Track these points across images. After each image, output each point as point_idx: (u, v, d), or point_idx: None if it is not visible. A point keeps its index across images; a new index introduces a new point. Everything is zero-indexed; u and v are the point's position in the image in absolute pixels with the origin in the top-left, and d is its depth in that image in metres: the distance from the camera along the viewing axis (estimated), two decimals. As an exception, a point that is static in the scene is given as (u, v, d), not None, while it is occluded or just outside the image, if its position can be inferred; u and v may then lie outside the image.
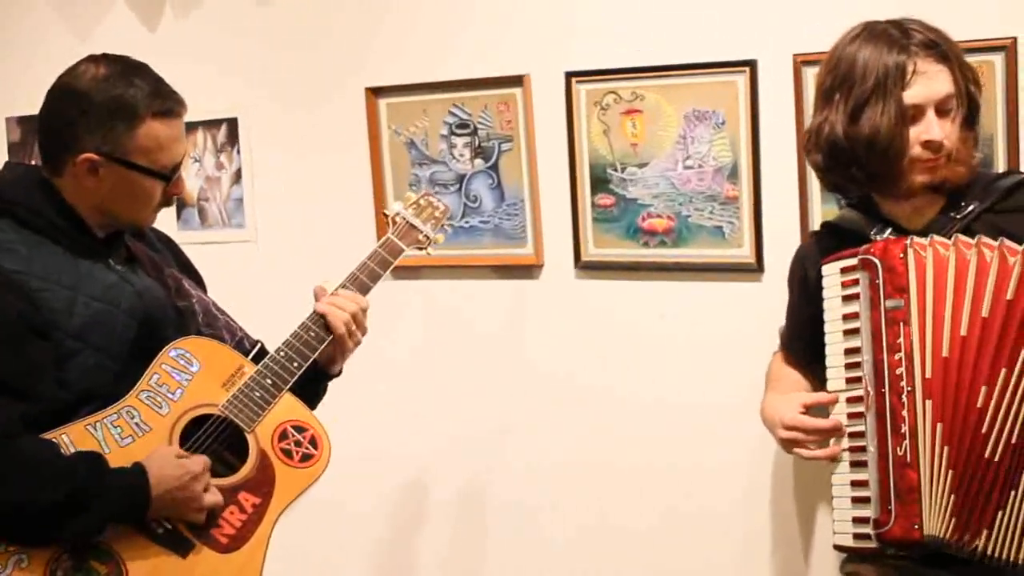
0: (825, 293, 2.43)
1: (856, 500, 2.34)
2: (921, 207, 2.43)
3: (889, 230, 2.41)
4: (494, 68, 3.37)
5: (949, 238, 2.31)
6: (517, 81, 3.34)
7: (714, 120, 3.10)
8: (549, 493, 3.48)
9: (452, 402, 3.58)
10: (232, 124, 3.79)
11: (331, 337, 2.52)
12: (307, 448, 2.44)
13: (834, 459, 2.38)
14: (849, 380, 2.37)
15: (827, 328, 2.42)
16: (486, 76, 3.38)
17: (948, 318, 2.25)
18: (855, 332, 2.36)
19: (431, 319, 3.59)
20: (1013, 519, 2.19)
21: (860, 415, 2.34)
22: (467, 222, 3.46)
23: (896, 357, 2.27)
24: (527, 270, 3.41)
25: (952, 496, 2.22)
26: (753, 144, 3.05)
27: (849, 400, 2.37)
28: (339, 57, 3.62)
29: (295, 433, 2.44)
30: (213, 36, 3.81)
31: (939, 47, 2.34)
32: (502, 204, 3.41)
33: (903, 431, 2.25)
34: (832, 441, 2.39)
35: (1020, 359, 2.20)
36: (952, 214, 2.39)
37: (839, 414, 2.39)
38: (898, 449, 2.25)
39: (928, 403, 2.24)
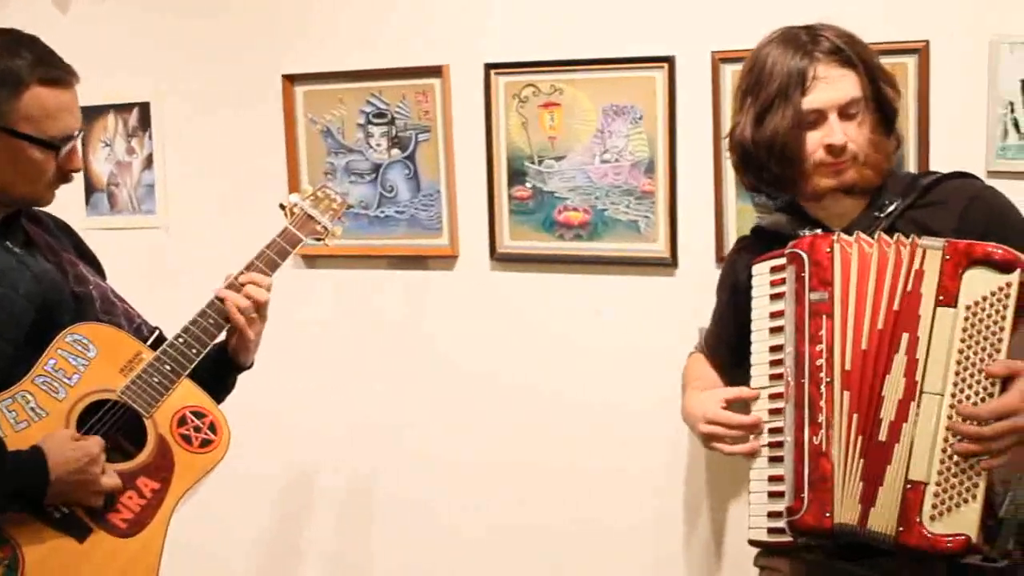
0: (754, 292, 2.46)
1: (772, 495, 2.35)
2: (846, 208, 2.46)
3: (818, 231, 2.43)
4: (413, 58, 3.35)
5: (873, 236, 2.33)
6: (436, 72, 3.32)
7: (631, 115, 3.09)
8: (451, 487, 3.47)
9: (361, 392, 3.55)
10: (144, 108, 3.72)
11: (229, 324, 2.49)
12: (206, 434, 2.41)
13: (752, 455, 2.39)
14: (772, 377, 2.39)
15: (753, 326, 2.44)
16: (405, 66, 3.36)
17: (868, 312, 2.28)
18: (779, 330, 2.38)
19: (345, 308, 3.55)
20: (887, 494, 2.22)
21: (780, 411, 2.35)
22: (383, 212, 3.43)
23: (817, 348, 2.29)
24: (442, 261, 3.38)
25: (862, 484, 2.24)
26: (670, 140, 3.06)
27: (771, 396, 2.39)
28: (256, 43, 3.57)
29: (194, 419, 2.41)
30: (127, 19, 3.74)
31: (843, 52, 2.37)
32: (418, 194, 3.38)
33: (820, 421, 2.26)
34: (752, 438, 2.40)
35: (901, 340, 2.24)
36: (875, 213, 2.43)
37: (760, 410, 2.40)
38: (814, 438, 2.26)
39: (846, 394, 2.26)
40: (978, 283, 2.21)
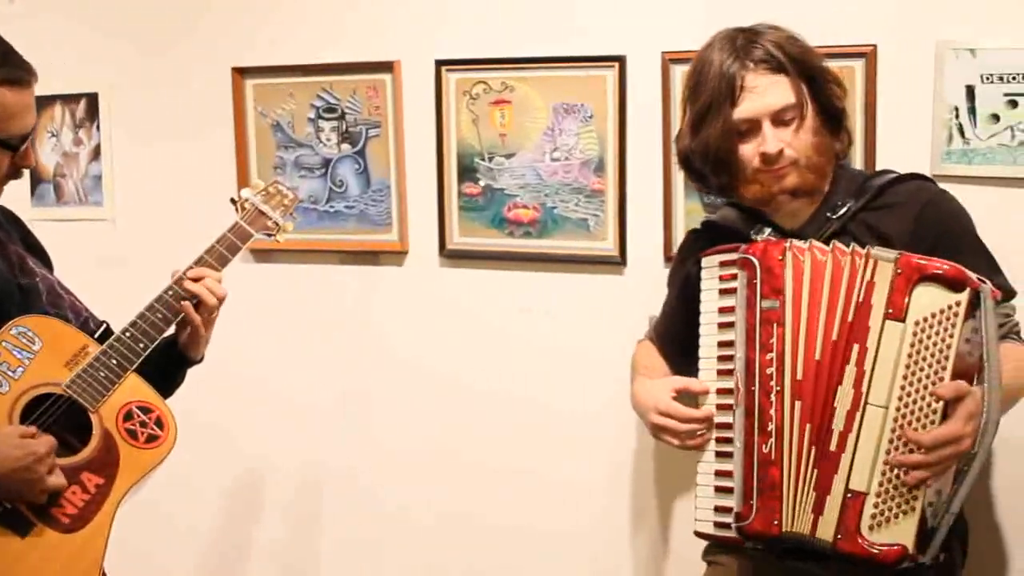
0: (703, 285, 2.45)
1: (719, 489, 2.36)
2: (797, 208, 2.46)
3: (769, 230, 2.44)
4: (364, 53, 3.34)
5: (827, 238, 2.34)
6: (387, 67, 3.31)
7: (582, 113, 3.10)
8: (397, 484, 3.47)
9: (307, 388, 3.54)
10: (92, 99, 3.69)
11: (179, 317, 2.47)
12: (152, 429, 2.39)
13: (700, 448, 2.40)
14: (720, 372, 2.39)
15: (702, 320, 2.44)
16: (356, 61, 3.35)
17: (822, 321, 2.28)
18: (730, 326, 2.38)
19: (294, 303, 3.54)
20: (831, 503, 2.24)
21: (729, 407, 2.36)
22: (332, 207, 3.42)
23: (768, 357, 2.29)
24: (391, 256, 3.38)
25: (814, 494, 2.25)
26: (620, 139, 3.07)
27: (719, 391, 2.39)
28: (206, 35, 3.55)
29: (140, 414, 2.39)
30: (75, 8, 3.71)
31: (774, 59, 2.36)
32: (368, 190, 3.37)
33: (769, 429, 2.27)
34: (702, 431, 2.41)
35: (852, 351, 2.25)
36: (828, 214, 2.43)
37: (709, 404, 2.41)
38: (763, 447, 2.28)
39: (798, 404, 2.27)
40: (927, 300, 2.21)
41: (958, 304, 2.20)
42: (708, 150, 2.42)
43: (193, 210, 3.53)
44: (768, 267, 2.32)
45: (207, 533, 3.75)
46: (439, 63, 3.24)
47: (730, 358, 2.37)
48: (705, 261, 2.46)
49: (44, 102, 3.68)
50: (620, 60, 3.05)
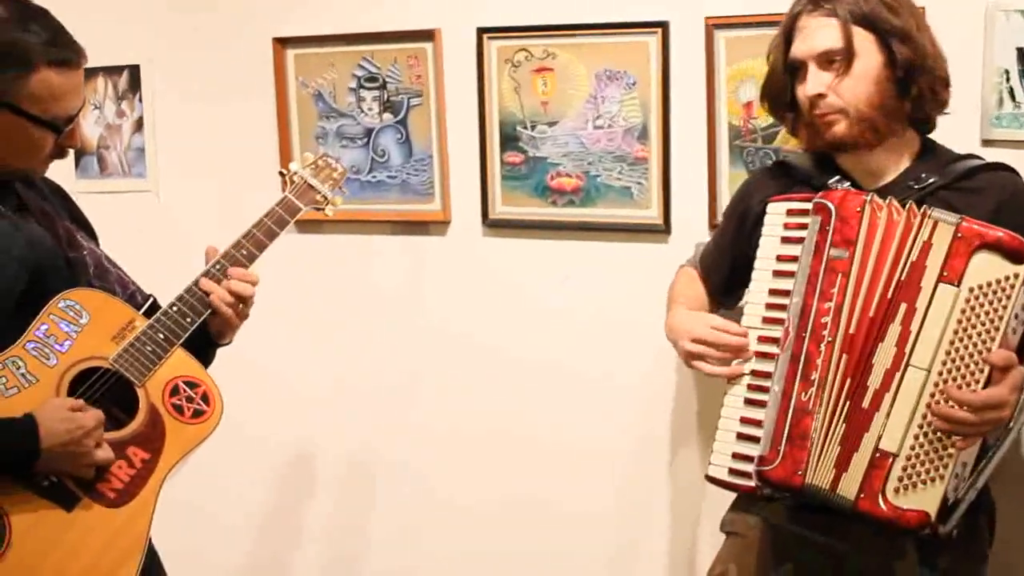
0: (764, 230, 2.43)
1: (741, 436, 2.37)
2: (878, 167, 2.43)
3: (848, 184, 2.40)
4: (405, 22, 3.33)
5: (926, 207, 2.29)
6: (428, 35, 3.30)
7: (625, 81, 3.08)
8: (443, 455, 3.47)
9: (353, 358, 3.55)
10: (134, 71, 3.69)
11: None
12: (199, 404, 2.39)
13: (733, 379, 2.40)
14: (766, 320, 2.38)
15: (757, 264, 2.42)
16: (396, 30, 3.33)
17: (883, 279, 2.26)
18: (784, 275, 2.36)
19: (336, 274, 3.54)
20: (859, 460, 2.23)
21: (768, 356, 2.36)
22: (374, 176, 3.41)
23: (826, 306, 2.27)
24: (434, 226, 3.38)
25: (839, 448, 2.24)
26: (663, 106, 3.05)
27: (761, 339, 2.38)
28: (247, 6, 3.54)
29: (187, 389, 2.39)
30: (116, -20, 3.71)
31: (832, 4, 2.34)
32: (410, 159, 3.36)
33: (812, 378, 2.27)
34: (735, 363, 2.41)
35: (899, 310, 2.23)
36: (911, 183, 2.39)
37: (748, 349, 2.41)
38: (803, 394, 2.27)
39: (844, 357, 2.25)
40: (986, 268, 2.19)
41: (1016, 276, 2.19)
42: (768, 87, 2.48)
43: (236, 181, 3.55)
44: (844, 216, 2.29)
45: (256, 516, 3.76)
46: (480, 31, 3.23)
47: (780, 307, 2.36)
48: (772, 206, 2.44)
49: (87, 74, 3.57)
50: (663, 26, 3.02)
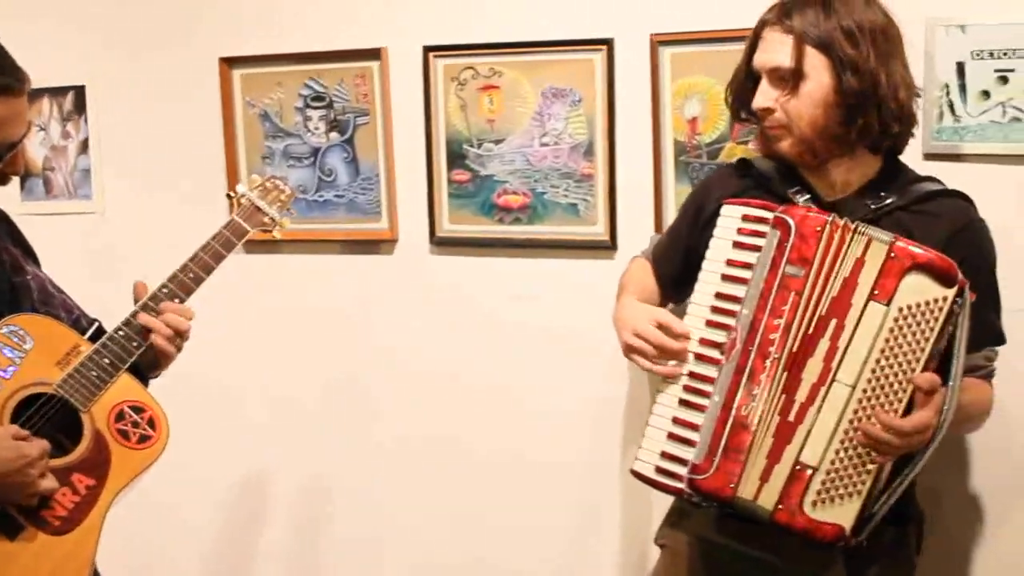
0: (717, 231, 2.40)
1: (673, 437, 2.35)
2: (839, 182, 2.42)
3: (808, 196, 2.40)
4: (351, 41, 3.33)
5: (859, 223, 2.30)
6: (374, 54, 3.30)
7: (571, 97, 3.09)
8: (395, 473, 3.46)
9: (298, 380, 3.53)
10: (80, 92, 3.67)
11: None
12: (145, 429, 2.37)
13: (668, 379, 2.38)
14: (709, 323, 2.35)
15: (705, 266, 2.39)
16: (343, 49, 3.33)
17: (825, 297, 2.26)
18: (732, 280, 2.34)
19: (283, 294, 3.53)
20: (782, 471, 2.24)
21: (707, 360, 2.34)
22: (321, 196, 3.40)
23: (775, 322, 2.27)
24: (382, 245, 3.37)
25: (765, 461, 2.25)
26: (609, 122, 3.06)
27: (703, 341, 2.36)
28: (193, 25, 3.53)
29: (133, 414, 2.37)
30: (62, 1, 3.69)
31: (792, 23, 2.32)
32: (357, 178, 3.36)
33: (754, 393, 2.27)
34: (672, 362, 2.39)
35: (829, 325, 2.24)
36: (868, 202, 2.38)
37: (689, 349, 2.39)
38: (743, 408, 2.27)
39: (785, 375, 2.26)
40: (916, 289, 2.21)
41: (945, 299, 2.20)
42: (733, 88, 2.48)
43: (183, 202, 3.53)
44: (803, 234, 2.28)
45: (209, 533, 3.73)
46: (426, 49, 3.23)
47: (725, 312, 2.34)
48: (727, 208, 2.41)
49: (32, 95, 3.59)
50: (608, 43, 3.04)
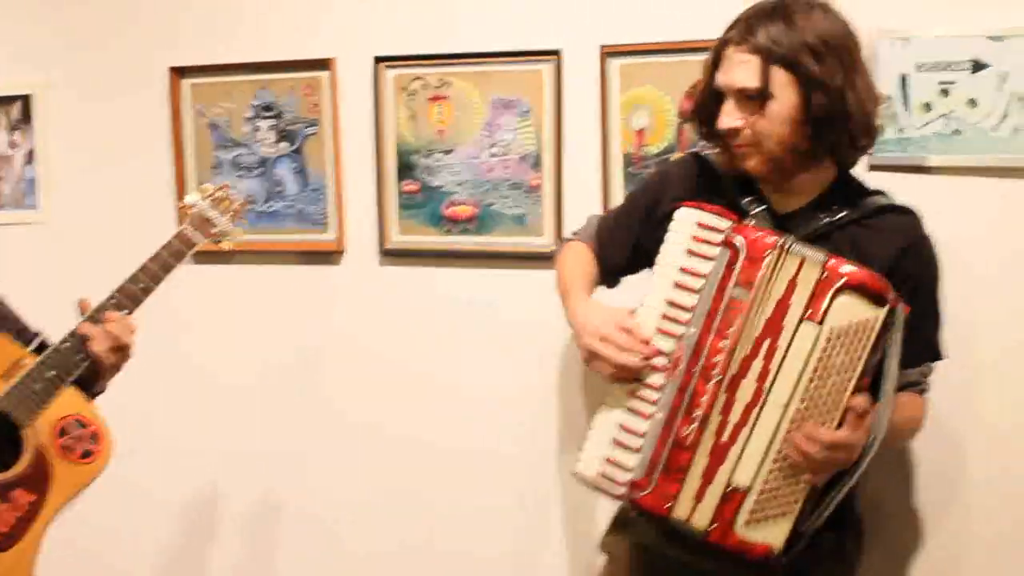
0: (671, 235, 2.36)
1: (617, 443, 2.33)
2: (794, 193, 2.41)
3: (763, 207, 2.40)
4: (301, 51, 3.33)
5: (811, 237, 2.31)
6: (324, 64, 3.30)
7: (519, 108, 3.10)
8: (343, 487, 3.46)
9: (251, 389, 3.52)
10: (26, 101, 3.65)
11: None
12: (88, 444, 2.35)
13: (619, 383, 2.35)
14: (659, 331, 2.33)
15: (657, 269, 2.36)
16: (293, 59, 3.33)
17: (764, 318, 2.25)
18: (683, 288, 2.31)
19: (232, 304, 3.52)
20: (712, 492, 2.26)
21: (655, 368, 2.31)
22: (270, 206, 3.40)
23: (720, 344, 2.26)
24: (330, 256, 3.37)
25: (699, 482, 2.26)
26: (557, 133, 3.07)
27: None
28: (142, 35, 3.51)
29: (76, 428, 2.35)
30: (7, 8, 3.66)
31: (757, 42, 2.28)
32: (306, 189, 3.36)
33: (695, 415, 2.26)
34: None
35: (763, 346, 2.25)
36: (820, 214, 2.38)
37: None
38: (684, 429, 2.26)
39: (724, 397, 2.26)
40: (848, 309, 2.21)
41: (877, 319, 2.20)
42: (699, 106, 2.43)
43: (132, 212, 3.51)
44: (751, 257, 2.27)
45: (159, 548, 3.70)
46: (376, 59, 3.24)
47: (674, 320, 2.31)
48: (682, 212, 2.36)
49: None
50: (557, 54, 3.05)
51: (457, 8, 3.16)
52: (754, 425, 2.24)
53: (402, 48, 3.22)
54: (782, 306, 2.24)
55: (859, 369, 2.21)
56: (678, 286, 2.33)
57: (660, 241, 2.38)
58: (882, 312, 2.20)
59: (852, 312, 2.21)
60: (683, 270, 2.33)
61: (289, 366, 3.46)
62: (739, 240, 2.29)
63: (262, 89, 3.37)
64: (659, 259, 2.36)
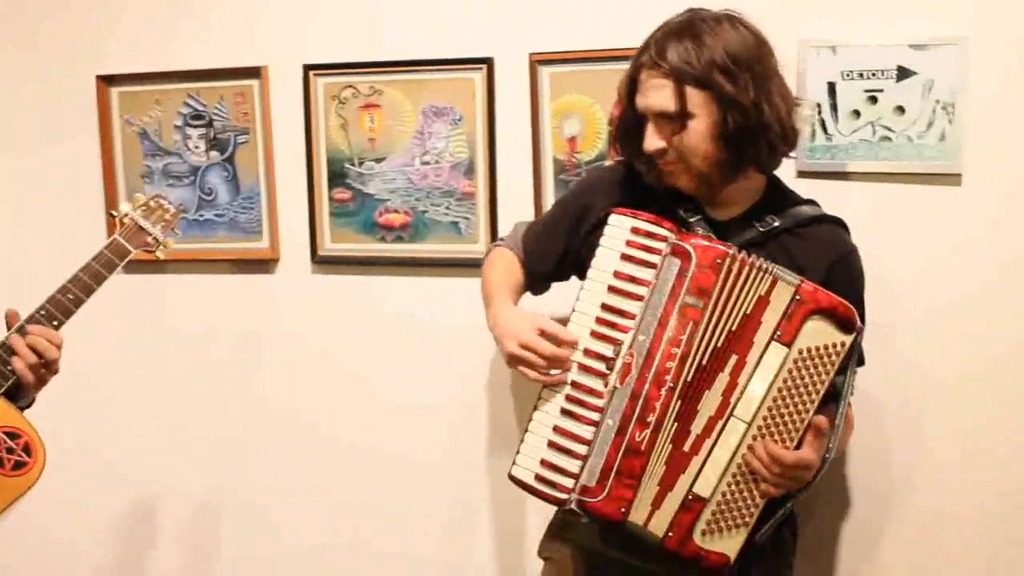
0: (604, 241, 2.37)
1: (554, 446, 2.33)
2: (727, 202, 2.44)
3: (699, 217, 2.42)
4: (231, 59, 3.31)
5: (746, 245, 2.34)
6: (255, 73, 3.28)
7: (451, 116, 3.11)
8: (283, 491, 3.45)
9: (185, 398, 3.49)
10: (-48, 111, 3.60)
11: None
12: (20, 455, 2.33)
13: (551, 387, 2.35)
14: (595, 334, 2.34)
15: (591, 275, 2.37)
16: (223, 67, 3.31)
17: (720, 328, 2.28)
18: (620, 292, 2.33)
19: (166, 314, 3.49)
20: (671, 500, 2.29)
21: (592, 371, 2.32)
22: (202, 215, 3.38)
23: (672, 351, 2.28)
24: (263, 264, 3.35)
25: (657, 488, 2.29)
26: (489, 141, 3.08)
27: (587, 352, 2.34)
28: (69, 42, 3.47)
29: (7, 440, 2.33)
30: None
31: (669, 66, 2.30)
32: (237, 197, 3.34)
33: (649, 421, 2.28)
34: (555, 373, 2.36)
35: (729, 360, 2.28)
36: (756, 224, 2.42)
37: (574, 359, 2.36)
38: (637, 435, 2.28)
39: (679, 403, 2.28)
40: (818, 333, 2.27)
41: (843, 344, 2.28)
42: (617, 126, 2.47)
43: (61, 223, 3.48)
44: (702, 265, 2.29)
45: (96, 558, 3.66)
46: (307, 68, 3.23)
47: (611, 324, 2.33)
48: (616, 219, 2.38)
49: None
50: (488, 62, 3.06)
51: (388, 16, 3.16)
52: (717, 438, 2.28)
53: (333, 56, 3.21)
54: (752, 323, 2.28)
55: (822, 390, 2.28)
56: (613, 291, 2.34)
57: (592, 247, 2.40)
58: (849, 338, 2.29)
59: (821, 336, 2.28)
60: (618, 275, 2.35)
61: (224, 373, 3.44)
62: (691, 248, 2.31)
63: (191, 97, 3.35)
64: (593, 264, 2.38)
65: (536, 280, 2.65)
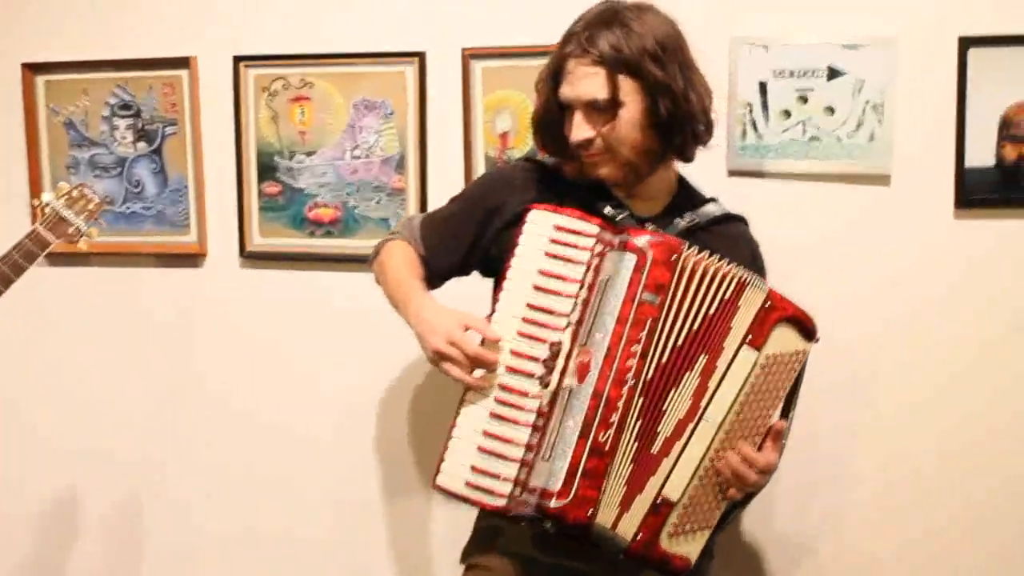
0: (524, 239, 2.31)
1: (484, 450, 2.27)
2: (647, 197, 2.44)
3: (626, 213, 2.40)
4: (160, 48, 3.27)
5: (731, 263, 2.31)
6: (184, 63, 3.25)
7: (383, 110, 3.09)
8: (207, 486, 3.42)
9: (109, 392, 3.45)
10: None
11: None
12: None
13: (477, 389, 2.29)
14: (521, 334, 2.28)
15: (512, 274, 2.31)
16: (151, 57, 3.27)
17: (680, 329, 2.26)
18: (546, 291, 2.28)
19: (89, 309, 3.44)
20: (640, 503, 2.27)
21: (520, 372, 2.27)
22: (128, 208, 3.33)
23: (632, 349, 2.24)
24: (191, 259, 3.31)
25: (625, 488, 2.26)
26: (420, 136, 3.07)
27: (513, 353, 2.28)
28: (-7, 29, 3.43)
29: None
30: None
31: (600, 54, 2.29)
32: (165, 190, 3.30)
33: (612, 421, 2.23)
34: (479, 373, 2.29)
35: (697, 361, 2.27)
36: (677, 219, 2.42)
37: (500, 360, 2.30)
38: (601, 435, 2.23)
39: (641, 401, 2.24)
40: (783, 339, 2.29)
41: (805, 352, 2.32)
42: (538, 119, 2.43)
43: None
44: (659, 260, 2.24)
45: (17, 556, 3.61)
46: (237, 59, 3.20)
47: (537, 323, 2.27)
48: (536, 215, 2.32)
49: None
50: (420, 56, 3.04)
51: (320, 8, 3.14)
52: (688, 440, 2.27)
53: (263, 48, 3.19)
54: (719, 326, 2.27)
55: (783, 397, 2.31)
56: (539, 289, 2.29)
57: (504, 245, 2.36)
58: (810, 346, 2.33)
59: (786, 343, 2.30)
60: (544, 273, 2.29)
61: (150, 367, 3.40)
62: (644, 244, 2.26)
63: (119, 87, 3.30)
64: (513, 264, 2.32)
65: (435, 275, 2.56)
